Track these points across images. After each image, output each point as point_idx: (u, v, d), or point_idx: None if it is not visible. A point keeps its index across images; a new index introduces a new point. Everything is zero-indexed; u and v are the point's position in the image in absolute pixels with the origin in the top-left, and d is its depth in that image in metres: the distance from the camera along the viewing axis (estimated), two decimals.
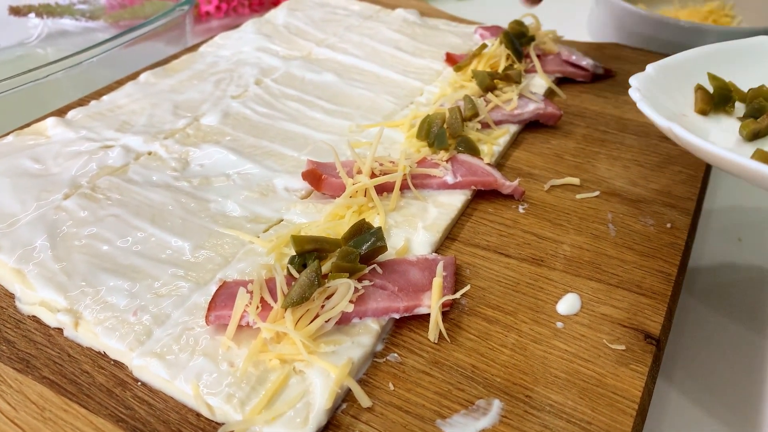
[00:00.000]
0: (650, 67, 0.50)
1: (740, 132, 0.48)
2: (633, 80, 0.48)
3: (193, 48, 0.78)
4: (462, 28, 0.86)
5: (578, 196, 0.55)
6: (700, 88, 0.51)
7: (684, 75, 0.52)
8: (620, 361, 0.40)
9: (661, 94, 0.48)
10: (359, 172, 0.51)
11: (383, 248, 0.44)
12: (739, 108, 0.52)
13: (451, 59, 0.74)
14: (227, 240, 0.48)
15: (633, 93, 0.47)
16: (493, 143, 0.59)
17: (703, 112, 0.50)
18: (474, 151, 0.56)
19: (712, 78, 0.51)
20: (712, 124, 0.50)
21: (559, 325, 0.42)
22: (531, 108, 0.63)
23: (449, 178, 0.53)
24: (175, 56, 0.76)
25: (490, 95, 0.64)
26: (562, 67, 0.73)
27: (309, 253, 0.42)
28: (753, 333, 0.53)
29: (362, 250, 0.43)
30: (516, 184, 0.53)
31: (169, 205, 0.51)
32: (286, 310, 0.38)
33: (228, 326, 0.39)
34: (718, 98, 0.51)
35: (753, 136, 0.47)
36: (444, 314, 0.43)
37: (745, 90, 0.51)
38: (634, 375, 0.39)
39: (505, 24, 0.78)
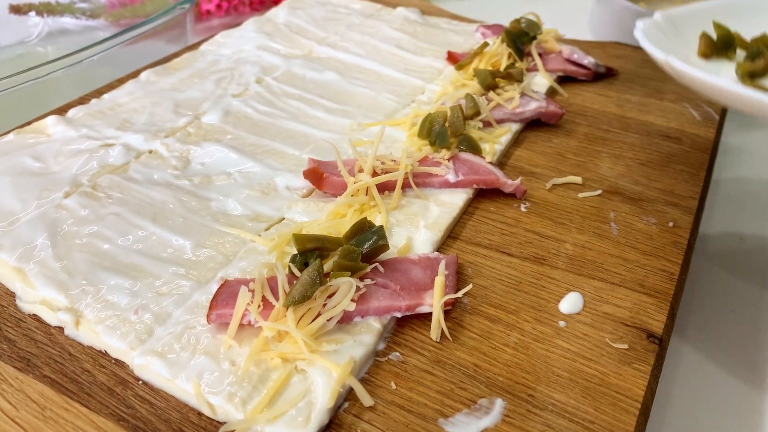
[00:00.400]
0: (658, 14, 0.52)
1: (736, 72, 0.49)
2: (639, 23, 0.49)
3: (194, 46, 0.78)
4: (463, 26, 0.85)
5: (580, 195, 0.54)
6: (704, 35, 0.52)
7: (689, 24, 0.53)
8: (623, 360, 0.40)
9: (664, 38, 0.50)
10: (361, 170, 0.51)
11: (385, 247, 0.44)
12: (741, 55, 0.53)
13: (452, 58, 0.74)
14: (228, 239, 0.47)
15: (637, 32, 0.48)
16: (495, 142, 0.59)
17: (705, 56, 0.51)
18: (476, 149, 0.56)
19: (717, 26, 0.52)
20: (713, 67, 0.51)
21: (562, 324, 0.42)
22: (533, 106, 0.63)
23: (451, 177, 0.53)
24: (176, 55, 0.76)
25: (491, 94, 0.64)
26: (564, 66, 0.73)
27: (310, 251, 0.42)
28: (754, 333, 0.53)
29: (364, 249, 0.43)
30: (518, 183, 0.53)
31: (170, 203, 0.51)
32: (287, 308, 0.38)
33: (229, 325, 0.39)
34: (720, 44, 0.52)
35: (748, 76, 0.48)
36: (446, 313, 0.43)
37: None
38: (636, 374, 0.39)
39: (506, 22, 0.78)
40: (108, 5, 0.94)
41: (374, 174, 0.51)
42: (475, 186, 0.53)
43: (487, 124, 0.62)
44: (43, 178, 0.53)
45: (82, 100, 0.65)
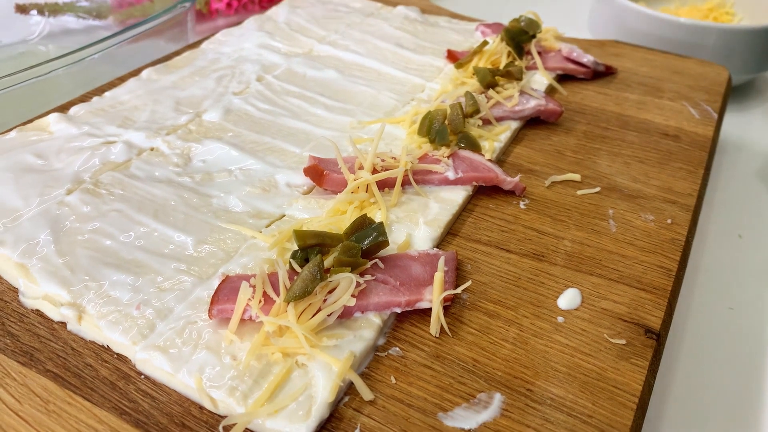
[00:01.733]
0: None
1: None
2: None
3: (195, 45, 0.78)
4: (463, 25, 0.86)
5: (579, 192, 0.55)
6: None
7: None
8: (621, 356, 0.40)
9: None
10: (361, 167, 0.51)
11: (385, 243, 0.44)
12: None
13: (452, 56, 0.75)
14: (229, 235, 0.48)
15: None
16: (494, 139, 0.60)
17: None
18: (475, 147, 0.56)
19: None
20: None
21: (560, 319, 0.43)
22: (532, 104, 0.63)
23: (450, 174, 0.53)
24: (177, 53, 0.76)
25: (491, 92, 0.64)
26: (563, 64, 0.73)
27: (311, 247, 0.42)
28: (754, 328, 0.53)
29: (364, 245, 0.43)
30: (517, 180, 0.54)
31: (171, 200, 0.51)
32: (288, 304, 0.39)
33: (231, 320, 0.39)
34: None
35: None
36: (445, 309, 0.43)
37: None
38: (634, 369, 0.39)
39: (506, 21, 0.78)
40: (115, 5, 0.94)
41: (374, 171, 0.51)
42: (474, 183, 0.54)
43: (486, 122, 0.62)
44: (46, 175, 0.53)
45: (84, 98, 0.66)
